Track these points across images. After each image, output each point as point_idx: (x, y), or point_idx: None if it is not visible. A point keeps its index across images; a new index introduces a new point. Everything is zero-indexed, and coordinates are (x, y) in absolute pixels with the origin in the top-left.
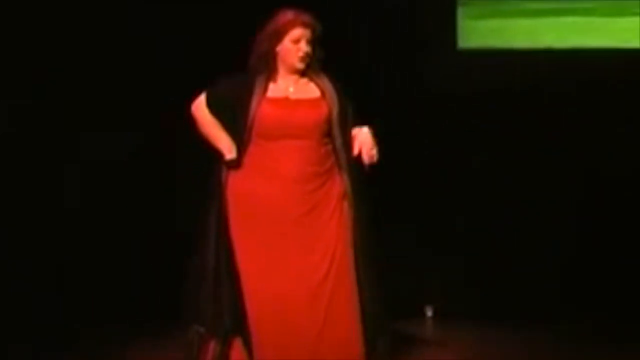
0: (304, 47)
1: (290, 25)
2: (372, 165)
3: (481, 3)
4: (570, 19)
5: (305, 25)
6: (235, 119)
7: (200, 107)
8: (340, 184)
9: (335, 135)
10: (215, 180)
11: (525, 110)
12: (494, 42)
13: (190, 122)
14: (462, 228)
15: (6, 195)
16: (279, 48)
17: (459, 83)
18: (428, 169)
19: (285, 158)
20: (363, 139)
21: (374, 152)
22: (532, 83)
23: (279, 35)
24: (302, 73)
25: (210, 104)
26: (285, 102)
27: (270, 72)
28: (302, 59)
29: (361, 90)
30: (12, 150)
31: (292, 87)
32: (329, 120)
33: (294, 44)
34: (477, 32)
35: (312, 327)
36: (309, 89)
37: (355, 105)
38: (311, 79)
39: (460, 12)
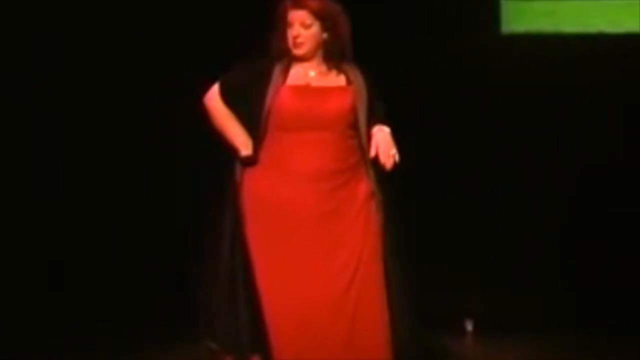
0: (293, 31)
1: (285, 8)
2: (392, 169)
3: None
4: (624, 1)
5: (296, 6)
6: (251, 109)
7: (213, 98)
8: (367, 181)
9: (362, 128)
10: (229, 178)
11: (574, 99)
12: (540, 25)
13: (203, 115)
14: (505, 237)
15: (4, 194)
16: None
17: (503, 70)
18: (470, 165)
19: (305, 153)
20: (380, 138)
21: (393, 153)
22: (581, 70)
23: (282, 20)
24: (324, 59)
25: (224, 95)
26: (305, 90)
27: (289, 59)
28: (294, 45)
29: (398, 79)
30: (11, 150)
31: (313, 73)
32: (354, 111)
33: (289, 29)
34: (522, 14)
35: (337, 339)
36: (333, 77)
37: (392, 94)
38: (335, 66)
39: None
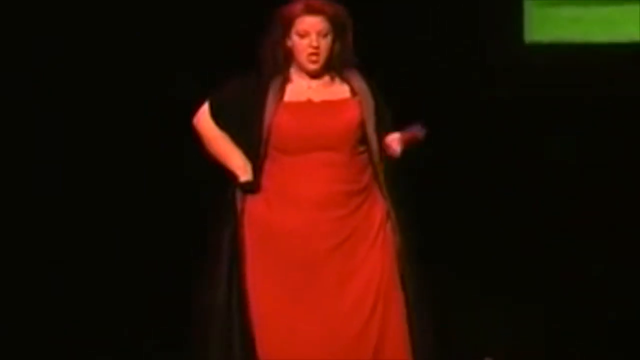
0: (313, 42)
1: (295, 13)
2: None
3: None
4: None
5: (312, 12)
6: (247, 130)
7: (203, 118)
8: (381, 201)
9: (372, 141)
10: (228, 206)
11: (604, 114)
12: (567, 34)
13: (195, 137)
14: (531, 267)
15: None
16: (289, 43)
17: (527, 82)
18: (490, 186)
19: (312, 177)
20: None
21: (397, 137)
22: (612, 82)
23: (285, 28)
24: (327, 70)
25: (215, 114)
26: (307, 106)
27: (286, 72)
28: (312, 59)
29: (414, 90)
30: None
31: (314, 87)
32: (362, 125)
33: (302, 39)
34: (548, 22)
35: None
36: (336, 88)
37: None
38: (337, 76)
39: None
